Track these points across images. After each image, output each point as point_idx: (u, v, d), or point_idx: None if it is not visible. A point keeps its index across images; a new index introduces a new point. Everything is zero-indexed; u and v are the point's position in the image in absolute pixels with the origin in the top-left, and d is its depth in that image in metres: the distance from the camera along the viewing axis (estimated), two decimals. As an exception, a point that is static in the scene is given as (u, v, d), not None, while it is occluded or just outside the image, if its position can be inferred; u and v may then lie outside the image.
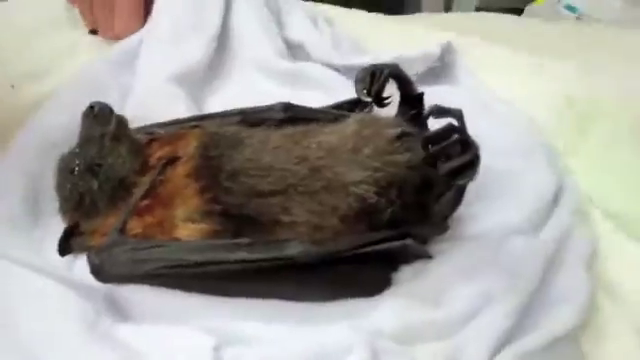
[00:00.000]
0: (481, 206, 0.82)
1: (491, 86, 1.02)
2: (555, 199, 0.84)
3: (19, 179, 0.82)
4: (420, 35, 1.09)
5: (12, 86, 0.98)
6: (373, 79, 0.79)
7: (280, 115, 0.87)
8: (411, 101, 0.80)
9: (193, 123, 0.85)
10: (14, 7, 1.13)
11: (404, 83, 0.79)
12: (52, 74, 1.02)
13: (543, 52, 1.09)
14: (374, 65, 0.79)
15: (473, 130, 0.89)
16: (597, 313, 0.74)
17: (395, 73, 0.79)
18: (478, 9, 1.58)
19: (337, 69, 1.04)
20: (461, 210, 0.78)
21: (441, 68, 1.04)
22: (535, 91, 1.01)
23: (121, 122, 0.78)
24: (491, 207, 0.82)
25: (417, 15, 1.29)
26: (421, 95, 0.80)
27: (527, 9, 1.72)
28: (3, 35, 1.07)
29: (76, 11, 1.12)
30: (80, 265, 0.74)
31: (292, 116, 0.86)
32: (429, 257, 0.75)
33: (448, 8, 1.70)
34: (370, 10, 1.20)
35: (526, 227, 0.80)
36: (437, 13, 1.35)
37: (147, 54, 0.96)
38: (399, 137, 0.74)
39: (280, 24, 1.06)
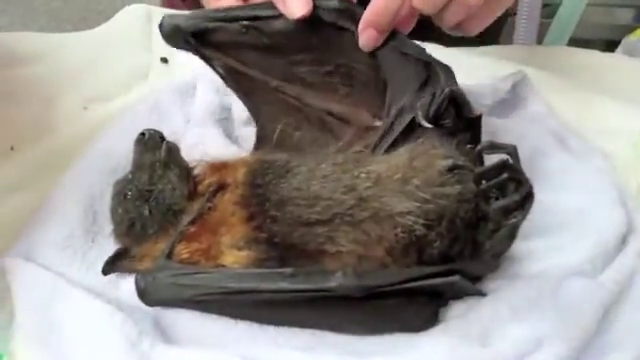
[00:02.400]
0: (541, 244, 0.79)
1: (566, 120, 0.99)
2: (622, 240, 0.80)
3: (79, 200, 0.85)
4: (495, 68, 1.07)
5: (85, 108, 1.01)
6: (433, 100, 0.78)
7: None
8: (468, 124, 0.79)
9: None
10: (90, 32, 1.18)
11: (462, 105, 0.79)
12: (122, 97, 1.05)
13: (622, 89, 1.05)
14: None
15: (543, 165, 0.89)
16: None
17: (455, 94, 0.78)
18: (572, 40, 1.54)
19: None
20: (520, 247, 0.76)
21: (514, 100, 1.02)
22: (611, 127, 0.98)
23: (171, 149, 0.79)
24: (552, 246, 0.79)
25: (499, 47, 1.27)
26: (479, 117, 0.79)
27: (623, 41, 1.67)
28: (78, 58, 1.11)
29: (149, 36, 1.16)
30: (128, 285, 0.75)
31: None
32: (482, 294, 0.73)
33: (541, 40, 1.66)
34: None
35: (588, 268, 0.76)
36: (521, 46, 1.32)
37: (200, 99, 0.99)
38: (451, 169, 0.73)
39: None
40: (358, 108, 0.87)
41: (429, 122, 0.78)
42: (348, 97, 0.87)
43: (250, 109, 0.93)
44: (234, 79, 0.90)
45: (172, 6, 1.25)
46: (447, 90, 0.77)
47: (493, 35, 1.36)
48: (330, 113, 0.88)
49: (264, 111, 0.91)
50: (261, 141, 0.91)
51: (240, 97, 0.92)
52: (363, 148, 0.83)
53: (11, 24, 1.31)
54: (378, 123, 0.85)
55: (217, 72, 0.89)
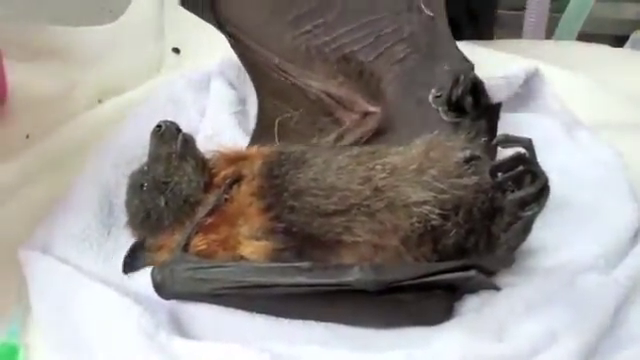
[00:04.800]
0: (555, 239, 0.80)
1: (577, 115, 0.99)
2: (635, 236, 0.80)
3: (95, 192, 0.85)
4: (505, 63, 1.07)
5: (99, 101, 1.01)
6: (455, 84, 0.80)
7: None
8: (485, 112, 0.80)
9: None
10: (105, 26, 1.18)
11: (480, 92, 0.80)
12: (136, 90, 1.05)
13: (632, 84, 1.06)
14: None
15: (555, 160, 0.88)
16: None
17: (478, 80, 0.80)
18: (581, 35, 1.55)
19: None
20: (534, 242, 0.77)
21: (527, 94, 1.02)
22: (622, 122, 0.98)
23: (187, 141, 0.80)
24: (566, 240, 0.80)
25: (509, 41, 1.27)
26: (499, 105, 0.80)
27: (632, 37, 1.67)
28: (94, 51, 1.11)
29: (162, 27, 1.16)
30: (145, 277, 0.75)
31: None
32: (496, 289, 0.73)
33: (550, 35, 1.67)
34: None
35: (601, 263, 0.76)
36: (531, 40, 1.33)
37: (215, 92, 1.00)
38: (467, 160, 0.73)
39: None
40: (354, 93, 0.90)
41: (450, 107, 0.79)
42: (345, 85, 0.91)
43: (253, 81, 0.96)
44: (240, 52, 0.95)
45: None
46: (472, 74, 0.78)
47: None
48: (329, 94, 0.91)
49: (266, 85, 0.94)
50: (261, 121, 0.94)
51: (245, 68, 0.96)
52: (361, 135, 0.86)
53: (16, 15, 1.31)
54: (374, 109, 0.88)
55: (227, 38, 0.95)
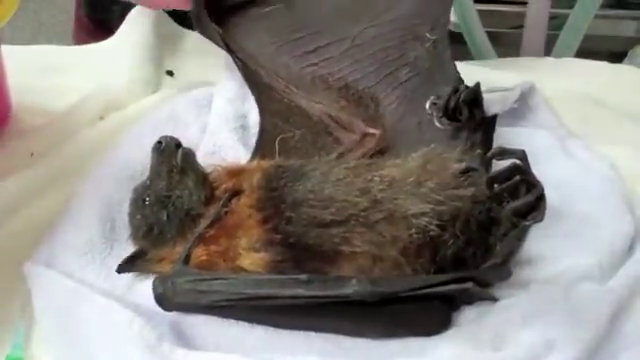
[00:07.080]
0: (552, 250, 0.80)
1: (574, 129, 1.01)
2: (630, 246, 0.81)
3: (97, 207, 0.86)
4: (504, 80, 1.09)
5: (101, 118, 1.02)
6: (455, 93, 0.82)
7: None
8: (483, 124, 0.83)
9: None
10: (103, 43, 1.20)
11: (477, 104, 0.82)
12: (137, 106, 1.06)
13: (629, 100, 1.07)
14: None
15: (551, 172, 0.89)
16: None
17: (478, 92, 0.82)
18: (579, 52, 1.56)
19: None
20: (530, 253, 0.78)
21: (523, 109, 1.03)
22: (618, 137, 0.99)
23: (187, 156, 0.81)
24: (562, 251, 0.80)
25: (507, 59, 1.29)
26: (494, 118, 0.83)
27: (630, 53, 1.68)
28: (94, 69, 1.13)
29: (159, 48, 1.17)
30: (146, 290, 0.76)
31: None
32: (493, 299, 0.74)
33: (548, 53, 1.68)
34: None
35: (596, 273, 0.77)
36: (529, 57, 1.34)
37: (216, 108, 1.02)
38: (464, 172, 0.74)
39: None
40: (354, 117, 0.92)
41: (445, 115, 0.81)
42: (345, 109, 0.93)
43: (257, 101, 0.98)
44: (247, 74, 0.99)
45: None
46: (472, 88, 0.80)
47: None
48: (330, 116, 0.93)
49: (270, 105, 0.97)
50: (263, 137, 0.95)
51: (250, 88, 0.99)
52: (362, 155, 0.87)
53: (21, 37, 1.33)
54: (373, 131, 0.90)
55: (235, 61, 0.98)
